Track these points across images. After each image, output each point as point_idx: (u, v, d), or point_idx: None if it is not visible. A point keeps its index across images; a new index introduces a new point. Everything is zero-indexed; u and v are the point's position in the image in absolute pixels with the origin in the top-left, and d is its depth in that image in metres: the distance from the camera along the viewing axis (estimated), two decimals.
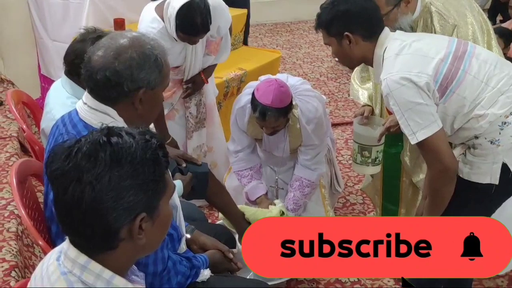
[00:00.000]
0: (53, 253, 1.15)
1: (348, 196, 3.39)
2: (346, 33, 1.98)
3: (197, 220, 2.20)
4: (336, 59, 2.13)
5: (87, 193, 1.02)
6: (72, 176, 1.04)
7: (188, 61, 2.84)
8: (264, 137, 2.78)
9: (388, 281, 2.72)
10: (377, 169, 2.61)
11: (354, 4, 2.00)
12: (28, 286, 1.17)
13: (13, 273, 2.23)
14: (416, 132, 1.87)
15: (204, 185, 2.21)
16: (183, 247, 1.81)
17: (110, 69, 1.53)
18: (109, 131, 1.09)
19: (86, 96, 1.62)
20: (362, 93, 2.66)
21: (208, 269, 1.81)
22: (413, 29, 2.31)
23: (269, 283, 2.09)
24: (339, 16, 1.99)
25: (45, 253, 1.61)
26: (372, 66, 2.05)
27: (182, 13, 2.52)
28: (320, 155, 2.78)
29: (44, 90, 4.15)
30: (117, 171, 1.04)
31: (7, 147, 3.26)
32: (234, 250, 2.05)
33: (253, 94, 2.57)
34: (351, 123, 4.27)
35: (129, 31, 1.71)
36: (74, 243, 1.10)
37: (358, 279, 2.73)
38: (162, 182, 1.11)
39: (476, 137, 1.94)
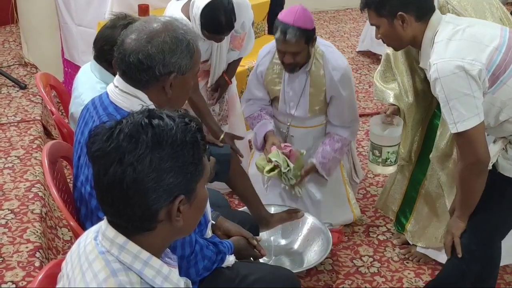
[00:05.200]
0: (90, 232, 1.16)
1: (368, 187, 3.38)
2: (400, 12, 1.91)
3: (221, 206, 2.21)
4: (382, 40, 2.04)
5: (128, 174, 1.03)
6: (113, 157, 1.04)
7: (213, 56, 2.84)
8: (284, 85, 2.78)
9: (408, 274, 2.71)
10: (387, 170, 2.57)
11: None
12: (63, 265, 1.18)
13: (37, 254, 2.27)
14: (457, 123, 1.83)
15: (226, 167, 2.21)
16: (209, 232, 1.82)
17: (143, 52, 1.54)
18: (150, 113, 1.09)
19: (117, 79, 1.64)
20: (388, 94, 2.63)
21: (233, 255, 1.82)
22: None
23: None
24: None
25: (76, 234, 1.63)
26: (419, 49, 1.98)
27: (207, 12, 2.52)
28: (351, 112, 2.76)
29: (67, 74, 4.17)
30: (158, 153, 1.05)
31: (31, 130, 3.30)
32: (257, 237, 2.05)
33: (276, 18, 2.62)
34: (371, 114, 4.27)
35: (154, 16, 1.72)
36: (112, 223, 1.11)
37: (378, 270, 2.73)
38: (200, 165, 1.12)
39: None
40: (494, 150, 1.97)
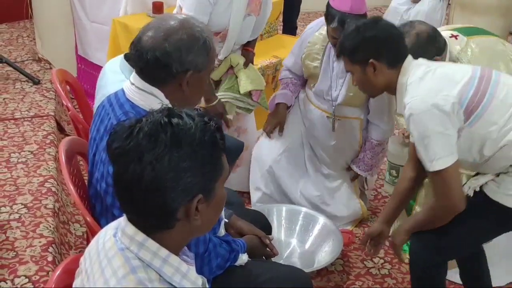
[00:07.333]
0: (109, 229, 1.17)
1: (379, 189, 3.37)
2: (371, 60, 1.94)
3: (234, 204, 2.21)
4: (357, 86, 2.09)
5: (147, 172, 1.03)
6: (132, 155, 1.05)
7: (232, 17, 2.75)
8: (330, 63, 2.77)
9: None
10: None
11: (381, 30, 1.97)
12: (81, 260, 1.19)
13: (50, 249, 2.28)
14: (433, 161, 1.83)
15: (233, 159, 2.20)
16: (222, 231, 1.83)
17: (160, 50, 1.55)
18: (170, 112, 1.09)
19: (133, 76, 1.64)
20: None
21: (245, 253, 1.83)
22: None
23: None
24: (365, 43, 1.96)
25: (92, 230, 1.64)
26: (394, 94, 2.00)
27: None
28: (391, 107, 2.76)
29: (81, 70, 4.19)
30: (176, 152, 1.05)
31: (44, 125, 3.32)
32: (270, 236, 2.06)
33: (328, 5, 2.57)
34: None
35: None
36: (131, 220, 1.11)
37: (389, 272, 2.72)
38: (219, 164, 1.12)
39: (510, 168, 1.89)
40: (482, 179, 1.96)
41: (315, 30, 2.83)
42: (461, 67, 1.97)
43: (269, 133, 3.01)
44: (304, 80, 3.02)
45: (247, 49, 2.98)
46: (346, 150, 2.97)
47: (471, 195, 1.97)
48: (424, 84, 1.86)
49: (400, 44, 1.98)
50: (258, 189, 3.04)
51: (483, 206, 1.95)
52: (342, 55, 2.03)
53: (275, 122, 3.01)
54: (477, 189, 1.96)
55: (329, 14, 2.55)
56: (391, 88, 1.98)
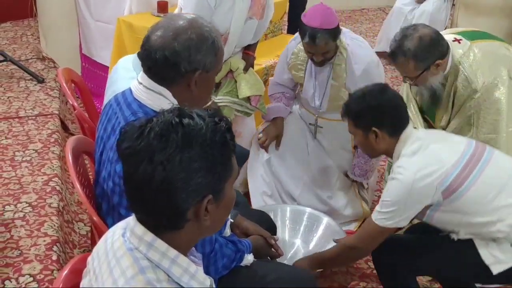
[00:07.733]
0: (117, 228, 1.16)
1: (383, 189, 3.36)
2: (374, 128, 1.99)
3: (240, 204, 2.21)
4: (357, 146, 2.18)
5: (158, 173, 1.03)
6: (143, 155, 1.04)
7: (234, 21, 2.74)
8: (310, 75, 2.79)
9: (423, 276, 2.70)
10: None
11: (386, 100, 2.01)
12: (89, 260, 1.19)
13: (54, 248, 2.28)
14: (382, 214, 1.96)
15: (239, 166, 2.21)
16: (227, 231, 1.82)
17: (169, 49, 1.55)
18: (181, 112, 1.09)
19: (141, 76, 1.64)
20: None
21: (251, 254, 1.82)
22: (444, 85, 2.36)
23: None
24: (370, 110, 2.00)
25: (98, 229, 1.64)
26: (391, 158, 2.07)
27: None
28: None
29: (85, 69, 4.19)
30: (187, 152, 1.04)
31: (48, 124, 3.32)
32: (275, 236, 2.06)
33: (300, 22, 2.59)
34: None
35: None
36: (140, 220, 1.11)
37: None
38: (229, 165, 1.12)
39: (498, 238, 1.93)
40: (471, 235, 1.99)
41: (297, 42, 2.83)
42: (455, 144, 2.02)
43: (266, 147, 3.00)
44: (295, 92, 3.05)
45: (248, 53, 2.98)
46: (340, 151, 3.00)
47: (455, 239, 2.01)
48: (414, 159, 1.93)
49: (403, 114, 2.04)
50: (262, 181, 3.05)
51: (465, 250, 1.99)
52: (347, 117, 2.09)
53: (273, 136, 3.00)
54: (465, 238, 2.00)
55: (301, 30, 2.58)
56: (389, 153, 2.06)
